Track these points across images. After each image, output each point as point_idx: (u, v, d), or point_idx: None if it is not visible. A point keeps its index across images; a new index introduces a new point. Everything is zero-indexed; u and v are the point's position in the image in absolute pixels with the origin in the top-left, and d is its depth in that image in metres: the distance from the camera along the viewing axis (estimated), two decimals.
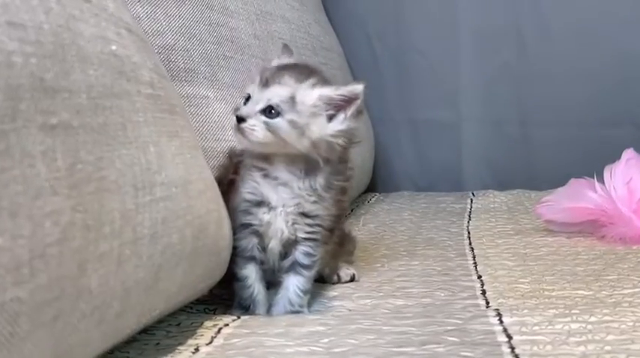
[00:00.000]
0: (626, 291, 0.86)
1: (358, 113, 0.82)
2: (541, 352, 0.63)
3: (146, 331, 0.71)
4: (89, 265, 0.48)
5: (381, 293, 0.91)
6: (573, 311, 0.76)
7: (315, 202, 0.82)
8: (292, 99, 0.78)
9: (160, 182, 0.59)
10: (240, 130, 0.77)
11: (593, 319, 0.72)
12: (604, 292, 0.86)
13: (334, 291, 0.93)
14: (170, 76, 1.01)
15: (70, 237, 0.45)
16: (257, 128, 0.77)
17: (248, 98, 0.79)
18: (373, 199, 1.81)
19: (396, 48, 1.98)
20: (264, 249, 0.84)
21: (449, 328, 0.72)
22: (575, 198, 1.21)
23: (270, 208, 0.82)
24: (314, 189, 0.81)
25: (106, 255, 0.50)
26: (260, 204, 0.81)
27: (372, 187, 1.94)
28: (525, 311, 0.77)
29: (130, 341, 0.67)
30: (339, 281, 0.97)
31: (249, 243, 0.83)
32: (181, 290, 0.69)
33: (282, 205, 0.81)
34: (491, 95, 1.95)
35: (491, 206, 1.63)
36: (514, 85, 1.93)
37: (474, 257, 1.10)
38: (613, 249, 1.11)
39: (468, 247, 1.18)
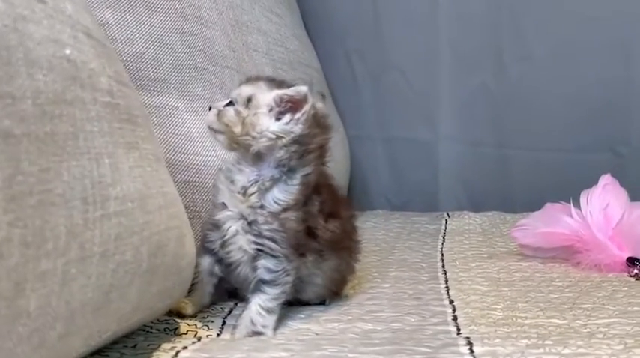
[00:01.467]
0: (600, 321, 0.83)
1: (313, 119, 0.83)
2: None
3: (99, 352, 0.67)
4: (28, 285, 0.44)
5: (350, 317, 0.87)
6: (546, 342, 0.73)
7: (264, 219, 0.83)
8: (250, 98, 0.83)
9: (114, 196, 0.56)
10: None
11: (566, 351, 0.69)
12: (578, 321, 0.84)
13: (302, 313, 0.90)
14: (139, 85, 0.99)
15: (5, 254, 0.41)
16: (211, 114, 0.84)
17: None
18: None
19: (375, 66, 1.96)
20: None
21: (417, 357, 0.69)
22: (551, 223, 1.19)
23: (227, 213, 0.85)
24: (262, 206, 0.83)
25: (48, 273, 0.46)
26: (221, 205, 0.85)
27: None
28: (497, 340, 0.74)
29: None
30: (308, 302, 0.94)
31: (212, 235, 0.86)
32: (136, 311, 0.65)
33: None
34: (469, 116, 1.93)
35: (466, 228, 1.60)
36: (492, 107, 1.91)
37: (446, 280, 1.07)
38: (588, 276, 1.08)
39: (440, 270, 1.15)
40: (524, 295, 0.97)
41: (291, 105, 0.81)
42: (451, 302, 0.94)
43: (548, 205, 1.24)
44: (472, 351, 0.70)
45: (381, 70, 1.96)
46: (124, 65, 0.94)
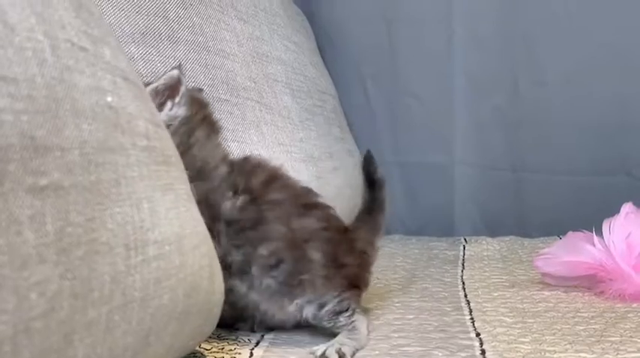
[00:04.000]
0: (630, 355, 0.83)
1: (189, 98, 0.86)
2: None
3: None
4: (76, 335, 0.44)
5: (377, 352, 0.87)
6: None
7: None
8: None
9: (153, 240, 0.56)
10: None
11: None
12: (608, 355, 0.83)
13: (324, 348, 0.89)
14: None
15: (57, 307, 0.42)
16: None
17: None
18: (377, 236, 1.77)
19: (390, 90, 1.97)
20: None
21: None
22: (574, 252, 1.19)
23: None
24: None
25: (93, 322, 0.47)
26: None
27: None
28: None
29: None
30: None
31: None
32: (170, 351, 0.65)
33: None
34: (484, 140, 1.94)
35: (485, 254, 1.60)
36: (507, 131, 1.92)
37: (470, 311, 1.07)
38: (612, 306, 1.08)
39: (463, 300, 1.15)
40: (550, 327, 0.97)
41: (169, 93, 0.84)
42: (478, 334, 0.94)
43: (570, 234, 1.24)
44: None
45: (396, 95, 1.97)
46: None
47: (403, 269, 1.43)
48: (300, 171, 1.25)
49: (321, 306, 0.90)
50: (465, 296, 1.18)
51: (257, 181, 0.90)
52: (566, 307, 1.09)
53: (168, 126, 0.79)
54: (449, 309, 1.09)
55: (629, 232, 1.17)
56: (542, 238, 1.76)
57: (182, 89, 0.84)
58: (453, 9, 1.92)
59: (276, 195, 0.90)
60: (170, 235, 0.59)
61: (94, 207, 0.47)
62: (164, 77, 0.84)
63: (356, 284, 0.95)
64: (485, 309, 1.07)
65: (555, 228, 1.83)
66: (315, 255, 0.90)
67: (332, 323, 0.90)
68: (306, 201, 0.93)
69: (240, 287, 0.88)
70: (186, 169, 0.70)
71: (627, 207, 1.21)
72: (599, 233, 1.18)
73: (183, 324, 0.65)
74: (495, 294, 1.18)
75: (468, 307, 1.10)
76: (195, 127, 0.87)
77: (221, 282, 0.76)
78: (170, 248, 0.59)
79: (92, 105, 0.50)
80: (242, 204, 0.87)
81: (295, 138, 1.27)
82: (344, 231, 0.96)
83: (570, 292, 1.18)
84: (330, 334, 0.90)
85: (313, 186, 1.31)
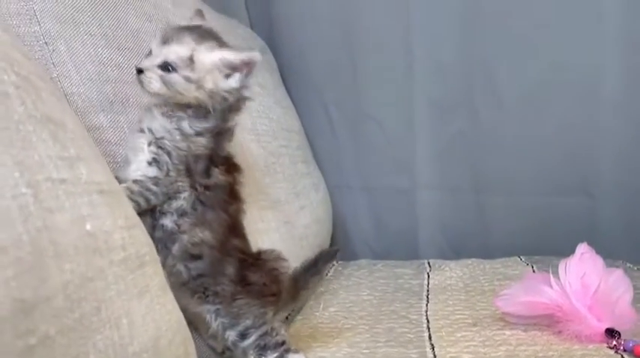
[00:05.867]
0: None
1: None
2: None
3: None
4: None
5: None
6: None
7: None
8: (190, 59, 0.91)
9: (132, 352, 0.59)
10: (139, 81, 0.91)
11: None
12: None
13: None
14: None
15: None
16: (153, 80, 0.90)
17: (149, 53, 0.92)
18: (332, 270, 1.82)
19: (353, 116, 2.01)
20: None
21: None
22: (532, 292, 1.24)
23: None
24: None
25: None
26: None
27: None
28: None
29: None
30: None
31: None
32: None
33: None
34: (446, 163, 1.98)
35: (448, 282, 1.64)
36: (468, 154, 1.96)
37: None
38: (570, 348, 1.13)
39: (428, 343, 1.19)
40: None
41: (245, 69, 0.93)
42: None
43: (529, 275, 1.30)
44: None
45: (359, 120, 2.00)
46: (120, 166, 0.99)
47: (370, 304, 1.47)
48: (268, 219, 1.28)
49: (243, 336, 0.96)
50: (430, 338, 1.22)
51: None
52: (525, 350, 1.13)
53: (230, 94, 0.93)
54: (415, 357, 1.13)
55: (584, 272, 1.22)
56: (502, 259, 1.82)
57: (254, 68, 0.93)
58: (413, 34, 1.95)
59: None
60: (147, 342, 0.63)
61: (77, 343, 0.50)
62: (247, 53, 0.93)
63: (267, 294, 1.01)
64: (448, 356, 1.12)
65: (517, 248, 1.90)
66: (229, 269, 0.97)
67: None
68: None
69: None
70: None
71: (582, 248, 1.26)
72: (556, 274, 1.23)
73: None
74: (458, 335, 1.22)
75: (432, 353, 1.14)
76: (235, 109, 0.97)
77: (194, 352, 0.80)
78: (148, 355, 0.62)
79: (73, 240, 0.53)
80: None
81: (262, 185, 1.31)
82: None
83: (530, 330, 1.22)
84: None
85: (282, 231, 1.35)
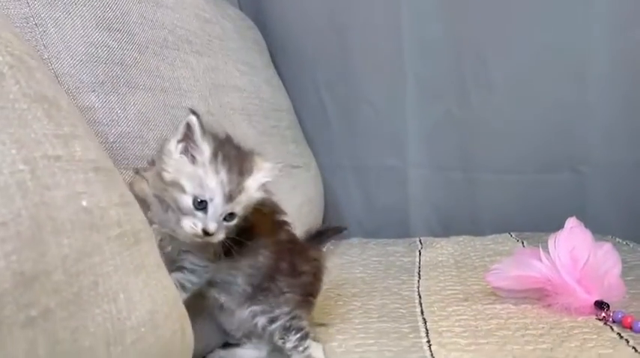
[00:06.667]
0: None
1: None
2: None
3: None
4: None
5: None
6: None
7: None
8: (247, 198, 0.87)
9: (130, 327, 0.60)
10: (203, 238, 0.84)
11: None
12: None
13: None
14: (125, 165, 1.03)
15: None
16: (221, 236, 0.85)
17: (200, 202, 0.83)
18: (324, 250, 1.83)
19: (343, 96, 2.02)
20: None
21: None
22: (522, 267, 1.25)
23: None
24: None
25: None
26: None
27: None
28: None
29: None
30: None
31: None
32: None
33: None
34: (436, 142, 2.00)
35: (439, 259, 1.66)
36: (458, 133, 1.98)
37: (427, 332, 1.13)
38: (559, 321, 1.14)
39: (420, 317, 1.21)
40: (501, 348, 1.03)
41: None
42: None
43: (519, 250, 1.31)
44: None
45: (350, 101, 2.02)
46: (111, 146, 0.99)
47: (363, 281, 1.49)
48: None
49: (272, 320, 0.97)
50: (422, 313, 1.24)
51: None
52: (516, 323, 1.15)
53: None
54: (407, 331, 1.14)
55: (573, 246, 1.23)
56: (493, 236, 1.84)
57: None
58: (402, 15, 1.96)
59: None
60: (145, 316, 0.64)
61: (77, 317, 0.51)
62: (278, 166, 0.91)
63: (310, 293, 1.03)
64: (440, 330, 1.13)
65: (507, 224, 1.92)
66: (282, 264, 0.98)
67: (282, 340, 0.97)
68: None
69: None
70: None
71: (571, 222, 1.27)
72: (546, 248, 1.25)
73: None
74: (450, 310, 1.24)
75: (424, 326, 1.16)
76: None
77: (191, 334, 0.81)
78: (145, 329, 0.63)
79: (69, 216, 0.54)
80: None
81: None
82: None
83: (520, 304, 1.24)
84: None
85: None
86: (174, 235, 0.86)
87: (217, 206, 0.83)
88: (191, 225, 0.83)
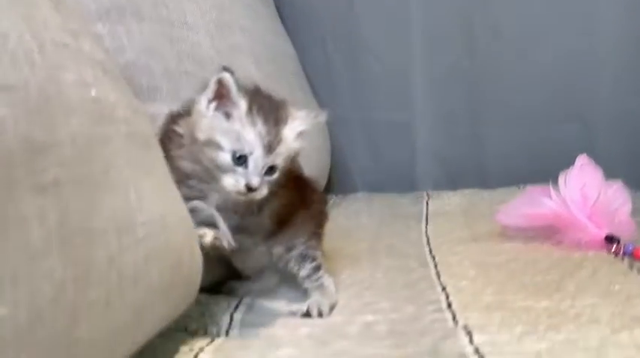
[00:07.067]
0: (586, 302, 0.89)
1: None
2: None
3: None
4: (80, 315, 0.48)
5: (350, 309, 0.92)
6: (539, 328, 0.79)
7: None
8: (286, 149, 0.84)
9: (141, 222, 0.59)
10: (246, 194, 0.82)
11: (560, 337, 0.75)
12: (565, 303, 0.89)
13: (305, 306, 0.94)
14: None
15: (62, 292, 0.45)
16: (264, 191, 0.83)
17: (240, 157, 0.81)
18: (330, 202, 1.82)
19: (349, 49, 2.00)
20: None
21: (423, 349, 0.74)
22: (532, 205, 1.25)
23: None
24: None
25: (94, 302, 0.50)
26: None
27: (327, 188, 1.95)
28: (493, 328, 0.80)
29: None
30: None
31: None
32: (160, 323, 0.69)
33: None
34: (442, 95, 1.97)
35: (447, 208, 1.66)
36: (465, 85, 1.96)
37: (435, 266, 1.12)
38: (569, 255, 1.14)
39: (429, 255, 1.20)
40: (511, 278, 1.03)
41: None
42: (443, 288, 0.99)
43: (529, 188, 1.30)
44: (472, 341, 0.76)
45: (355, 53, 1.99)
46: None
47: (369, 227, 1.48)
48: None
49: (290, 249, 0.96)
50: (430, 251, 1.23)
51: None
52: (525, 257, 1.15)
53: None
54: (415, 265, 1.14)
55: (583, 183, 1.23)
56: (501, 189, 1.83)
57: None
58: None
59: None
60: (155, 216, 0.63)
61: (88, 198, 0.51)
62: (312, 114, 0.89)
63: (319, 223, 1.02)
64: (449, 263, 1.13)
65: (514, 177, 1.90)
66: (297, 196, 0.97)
67: (297, 267, 0.96)
68: None
69: None
70: None
71: (582, 159, 1.26)
72: (556, 186, 1.24)
73: (170, 297, 0.69)
74: (459, 248, 1.23)
75: (433, 262, 1.15)
76: None
77: (200, 256, 0.80)
78: (155, 227, 0.63)
79: (79, 99, 0.53)
80: None
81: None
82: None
83: (529, 243, 1.24)
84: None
85: None
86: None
87: (258, 159, 0.81)
88: (233, 182, 0.82)
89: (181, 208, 0.75)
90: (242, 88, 0.83)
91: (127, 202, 0.57)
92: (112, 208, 0.54)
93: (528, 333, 0.77)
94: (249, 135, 0.81)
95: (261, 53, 1.44)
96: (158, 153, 0.72)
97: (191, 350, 0.77)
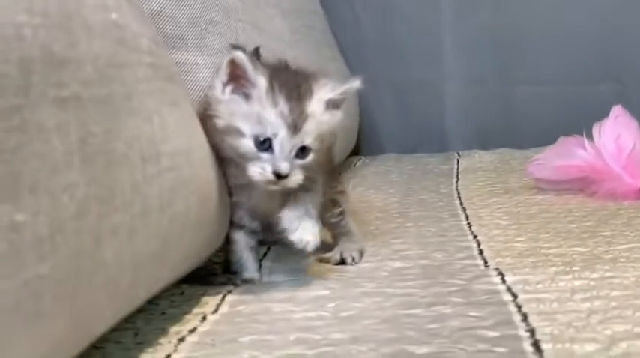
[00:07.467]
0: (621, 247, 0.87)
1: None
2: (547, 310, 0.64)
3: (151, 301, 0.70)
4: (104, 238, 0.47)
5: (379, 257, 0.91)
6: (574, 268, 0.77)
7: None
8: (316, 125, 0.74)
9: (166, 152, 0.58)
10: (278, 184, 0.73)
11: (595, 275, 0.73)
12: (600, 248, 0.87)
13: (338, 253, 0.92)
14: None
15: (85, 210, 0.44)
16: (298, 177, 0.74)
17: (263, 141, 0.72)
18: (359, 162, 1.81)
19: (378, 7, 1.97)
20: None
21: (453, 289, 0.73)
22: (565, 156, 1.22)
23: None
24: None
25: (118, 227, 0.49)
26: None
27: (357, 150, 1.94)
28: (526, 269, 0.78)
29: (137, 311, 0.66)
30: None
31: (239, 215, 0.82)
32: (186, 259, 0.69)
33: None
34: (472, 55, 1.95)
35: (478, 165, 1.64)
36: (495, 44, 1.93)
37: (466, 217, 1.10)
38: (604, 205, 1.11)
39: (459, 208, 1.19)
40: (544, 226, 1.01)
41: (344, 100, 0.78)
42: (475, 237, 0.98)
43: (561, 139, 1.27)
44: (504, 281, 0.74)
45: (384, 12, 1.97)
46: None
47: (399, 184, 1.47)
48: None
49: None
50: (461, 204, 1.22)
51: None
52: (559, 208, 1.12)
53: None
54: (446, 216, 1.12)
55: (618, 134, 1.20)
56: (533, 149, 1.79)
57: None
58: None
59: None
60: (180, 148, 0.62)
61: (110, 119, 0.50)
62: (345, 85, 0.77)
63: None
64: (481, 215, 1.11)
65: (546, 138, 1.86)
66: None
67: (327, 213, 0.91)
68: None
69: None
70: None
71: (616, 110, 1.23)
72: (590, 137, 1.21)
73: (197, 233, 0.68)
74: (490, 201, 1.22)
75: (464, 213, 1.13)
76: None
77: (227, 196, 0.79)
78: (181, 159, 0.62)
79: (100, 21, 0.51)
80: None
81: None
82: None
83: (563, 195, 1.21)
84: None
85: None
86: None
87: (283, 141, 0.72)
88: (259, 170, 0.72)
89: (208, 148, 0.73)
90: (259, 64, 0.74)
91: (151, 131, 0.56)
92: (135, 134, 0.53)
93: (562, 273, 0.75)
94: (270, 115, 0.71)
95: (288, 7, 1.42)
96: (182, 89, 0.71)
97: (218, 292, 0.77)
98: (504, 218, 1.08)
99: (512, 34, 1.91)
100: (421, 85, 1.98)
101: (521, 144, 1.87)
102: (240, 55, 0.72)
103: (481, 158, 1.73)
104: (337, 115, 0.77)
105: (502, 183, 1.38)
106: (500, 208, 1.15)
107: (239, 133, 0.72)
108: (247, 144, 0.72)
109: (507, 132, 1.94)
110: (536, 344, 0.56)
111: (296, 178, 0.73)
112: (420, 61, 1.97)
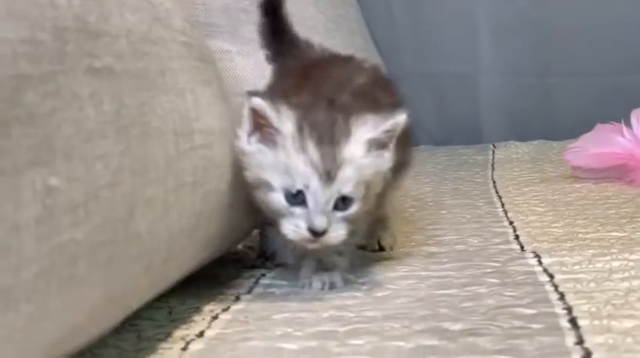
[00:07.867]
0: None
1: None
2: (585, 289, 0.63)
3: (183, 283, 0.69)
4: (138, 210, 0.47)
5: (413, 243, 0.90)
6: (612, 251, 0.76)
7: None
8: (355, 170, 0.65)
9: (199, 129, 0.59)
10: (317, 241, 0.66)
11: (633, 257, 0.72)
12: (639, 233, 0.86)
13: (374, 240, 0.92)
14: None
15: (119, 180, 0.45)
16: (340, 232, 0.66)
17: (295, 195, 0.64)
18: None
19: (412, 1, 1.96)
20: None
21: (488, 270, 0.73)
22: (603, 143, 1.20)
23: None
24: None
25: (152, 200, 0.50)
26: None
27: None
28: (563, 252, 0.77)
29: (170, 291, 0.64)
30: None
31: None
32: (218, 241, 0.69)
33: None
34: (507, 46, 1.92)
35: (514, 156, 1.62)
36: (531, 35, 1.90)
37: (502, 204, 1.09)
38: None
39: (495, 195, 1.18)
40: (581, 213, 1.00)
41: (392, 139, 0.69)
42: (511, 223, 0.97)
43: (598, 126, 1.26)
44: (541, 263, 0.73)
45: (418, 4, 1.96)
46: None
47: (433, 174, 1.46)
48: None
49: None
50: (497, 192, 1.20)
51: None
52: (597, 195, 1.11)
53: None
54: (481, 203, 1.12)
55: None
56: (570, 140, 1.77)
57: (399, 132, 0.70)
58: None
59: None
60: (213, 126, 0.62)
61: (143, 93, 0.50)
62: (390, 121, 0.68)
63: None
64: (517, 202, 1.10)
65: (583, 130, 1.84)
66: None
67: None
68: None
69: None
70: None
71: None
72: (628, 124, 1.19)
73: (229, 215, 0.68)
74: (526, 189, 1.20)
75: (500, 201, 1.12)
76: None
77: None
78: (213, 138, 0.62)
79: None
80: None
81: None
82: None
83: (601, 183, 1.20)
84: None
85: None
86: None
87: (317, 193, 0.64)
88: (292, 228, 0.65)
89: None
90: (285, 106, 0.66)
91: (184, 107, 0.57)
92: (169, 110, 0.54)
93: (599, 255, 0.74)
94: (299, 163, 0.64)
95: None
96: (215, 71, 0.71)
97: (252, 276, 0.77)
98: (541, 205, 1.07)
99: (548, 23, 1.89)
100: (455, 76, 1.96)
101: (558, 136, 1.84)
102: (259, 102, 0.65)
103: (517, 149, 1.71)
104: (384, 157, 0.68)
105: (539, 173, 1.36)
106: (536, 196, 1.14)
107: (269, 187, 0.66)
108: (278, 199, 0.65)
109: (544, 124, 1.92)
110: (573, 321, 0.55)
111: (337, 234, 0.65)
112: (455, 52, 1.95)
